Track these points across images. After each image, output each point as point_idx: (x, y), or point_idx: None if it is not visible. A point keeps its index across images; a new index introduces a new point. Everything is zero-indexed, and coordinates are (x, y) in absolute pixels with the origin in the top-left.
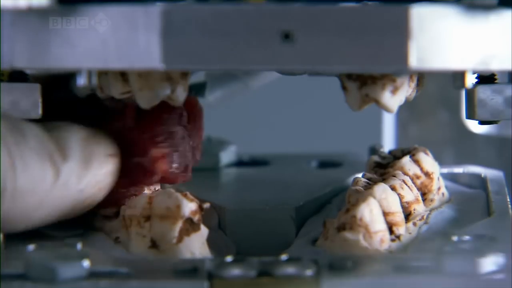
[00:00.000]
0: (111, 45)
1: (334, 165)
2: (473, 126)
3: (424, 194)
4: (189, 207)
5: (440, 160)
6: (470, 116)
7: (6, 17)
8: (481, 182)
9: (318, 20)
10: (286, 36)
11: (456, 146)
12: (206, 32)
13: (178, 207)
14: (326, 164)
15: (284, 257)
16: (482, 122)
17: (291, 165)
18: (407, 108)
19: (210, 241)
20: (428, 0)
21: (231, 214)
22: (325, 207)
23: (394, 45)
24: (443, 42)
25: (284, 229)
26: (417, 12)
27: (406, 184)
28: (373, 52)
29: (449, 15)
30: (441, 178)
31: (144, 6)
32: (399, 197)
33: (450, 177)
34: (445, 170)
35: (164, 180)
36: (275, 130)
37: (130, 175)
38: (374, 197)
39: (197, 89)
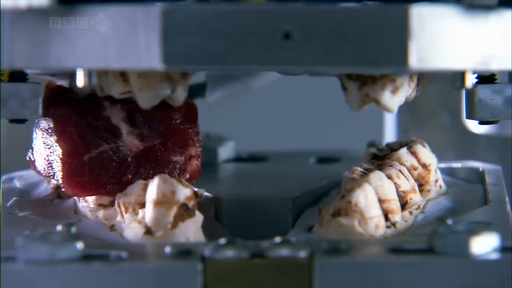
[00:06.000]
0: (111, 45)
1: (332, 161)
2: (474, 127)
3: (421, 185)
4: (184, 192)
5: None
6: (470, 116)
7: (6, 17)
8: (479, 176)
9: (318, 20)
10: (286, 36)
11: (457, 149)
12: (206, 32)
13: (173, 192)
14: (324, 160)
15: (277, 239)
16: (482, 122)
17: (290, 161)
18: (408, 111)
19: (206, 232)
20: (428, 0)
21: (228, 204)
22: (322, 199)
23: (394, 45)
24: (443, 42)
25: (280, 220)
26: (417, 12)
27: (403, 174)
28: (373, 52)
29: (449, 15)
30: (438, 171)
31: (144, 6)
32: (396, 186)
33: (449, 172)
34: (443, 165)
35: (189, 180)
36: (275, 131)
37: (161, 171)
38: (370, 184)
39: (197, 90)
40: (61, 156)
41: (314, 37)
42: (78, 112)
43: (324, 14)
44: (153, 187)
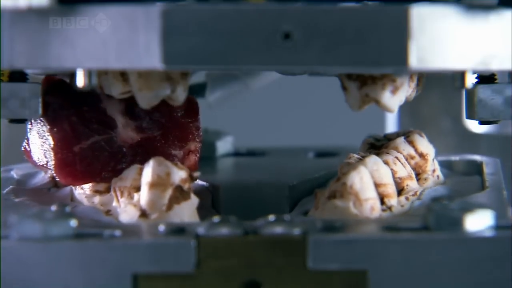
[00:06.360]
0: (111, 45)
1: (331, 155)
2: (475, 127)
3: (418, 174)
4: (179, 175)
5: None
6: (470, 116)
7: (6, 17)
8: (477, 168)
9: (318, 20)
10: (286, 36)
11: (459, 151)
12: (206, 32)
13: (168, 174)
14: (323, 154)
15: (271, 217)
16: (482, 122)
17: (288, 156)
18: (409, 114)
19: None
20: (428, 0)
21: (224, 192)
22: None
23: (394, 45)
24: (443, 42)
25: (277, 208)
26: (417, 12)
27: (399, 161)
28: (373, 52)
29: (449, 15)
30: (436, 162)
31: (144, 6)
32: (392, 172)
33: (447, 165)
34: (441, 158)
35: None
36: (275, 130)
37: None
38: (365, 167)
39: (197, 90)
40: (52, 146)
41: (314, 37)
42: (72, 103)
43: (324, 14)
44: (148, 170)
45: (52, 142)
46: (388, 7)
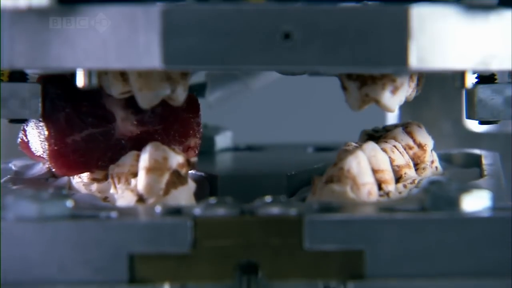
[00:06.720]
0: (111, 45)
1: (330, 150)
2: (475, 127)
3: (417, 164)
4: (177, 159)
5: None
6: (470, 116)
7: (6, 17)
8: (476, 160)
9: (318, 20)
10: (286, 36)
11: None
12: (206, 32)
13: (165, 159)
14: (322, 149)
15: (268, 198)
16: (482, 122)
17: (288, 150)
18: (410, 116)
19: None
20: (428, 0)
21: (223, 182)
22: None
23: (394, 45)
24: (443, 42)
25: None
26: (417, 12)
27: (398, 150)
28: (373, 52)
29: (449, 15)
30: (435, 153)
31: (144, 6)
32: (390, 160)
33: (446, 158)
34: (440, 152)
35: None
36: (275, 129)
37: None
38: (363, 152)
39: (197, 90)
40: (46, 136)
41: (314, 37)
42: (70, 95)
43: (324, 14)
44: (145, 154)
45: (46, 132)
46: (388, 7)
